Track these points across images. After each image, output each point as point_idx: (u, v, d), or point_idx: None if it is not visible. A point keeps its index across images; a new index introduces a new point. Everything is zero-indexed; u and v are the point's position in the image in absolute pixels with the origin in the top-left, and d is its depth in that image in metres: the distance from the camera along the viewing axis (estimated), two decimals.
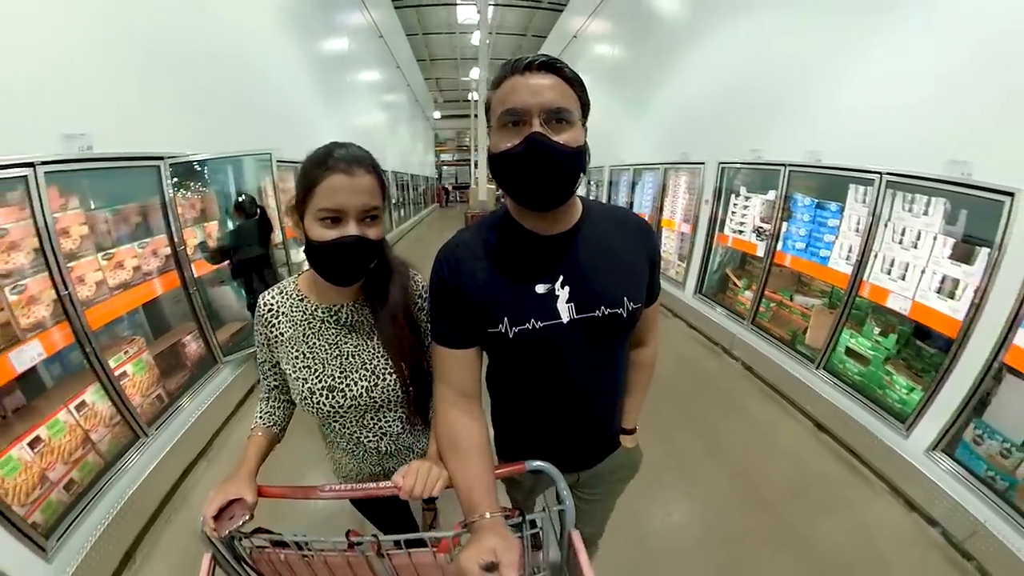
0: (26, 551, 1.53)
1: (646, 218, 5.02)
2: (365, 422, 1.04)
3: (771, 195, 3.49)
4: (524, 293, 0.85)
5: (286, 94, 4.75)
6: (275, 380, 1.06)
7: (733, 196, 4.01)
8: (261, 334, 1.00)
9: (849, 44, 2.81)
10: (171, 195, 2.48)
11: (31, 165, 1.70)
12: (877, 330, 2.69)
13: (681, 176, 5.07)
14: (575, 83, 0.76)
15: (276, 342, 0.98)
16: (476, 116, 11.29)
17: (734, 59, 4.05)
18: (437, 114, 22.36)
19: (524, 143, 0.71)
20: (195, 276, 2.69)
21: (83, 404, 1.96)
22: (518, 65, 0.73)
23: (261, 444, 1.02)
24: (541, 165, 0.72)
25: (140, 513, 2.05)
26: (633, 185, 6.42)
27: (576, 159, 0.75)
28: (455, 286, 0.86)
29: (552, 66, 0.73)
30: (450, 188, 24.80)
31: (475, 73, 11.09)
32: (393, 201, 11.69)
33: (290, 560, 0.90)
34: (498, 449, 1.11)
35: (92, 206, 2.16)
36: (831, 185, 2.94)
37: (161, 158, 2.43)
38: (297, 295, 0.99)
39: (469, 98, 16.22)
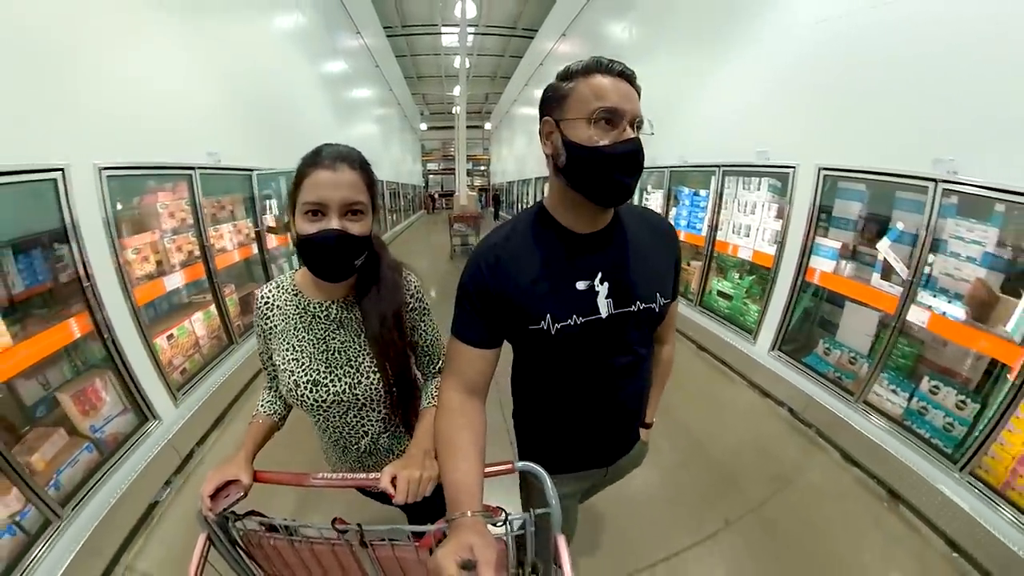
0: (166, 399, 2.65)
1: None
2: (348, 419, 1.05)
3: (661, 192, 4.90)
4: (566, 290, 0.87)
5: (311, 119, 6.01)
6: (274, 371, 1.07)
7: (644, 193, 5.40)
8: (258, 326, 1.03)
9: (699, 76, 4.23)
10: (257, 193, 3.73)
11: (192, 168, 2.95)
12: (737, 276, 4.00)
13: None
14: (640, 96, 0.81)
15: (270, 334, 1.02)
16: (456, 127, 12.60)
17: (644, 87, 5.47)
18: (423, 126, 23.61)
19: (629, 144, 0.77)
20: (266, 248, 3.94)
21: (199, 318, 3.15)
22: (612, 68, 0.79)
23: (260, 430, 1.05)
24: (634, 166, 0.79)
25: (232, 391, 3.26)
26: None
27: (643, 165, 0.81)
28: (495, 286, 0.87)
29: (632, 79, 0.80)
30: (436, 195, 26.03)
31: (457, 90, 12.42)
32: (387, 207, 12.93)
33: (279, 546, 0.92)
34: (523, 454, 1.11)
35: (219, 196, 3.41)
36: (702, 178, 4.28)
37: (252, 170, 3.69)
38: (292, 289, 1.01)
39: (453, 111, 17.53)
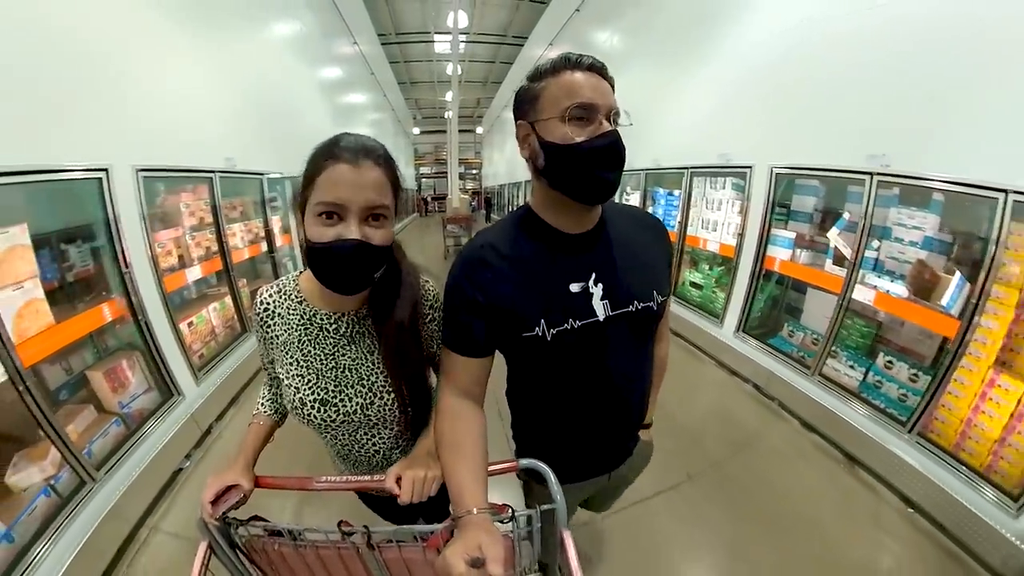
0: (189, 377, 2.93)
1: None
2: (358, 437, 1.00)
3: (638, 193, 5.28)
4: (559, 293, 0.84)
5: (311, 124, 6.29)
6: (276, 374, 0.99)
7: (624, 195, 5.77)
8: (258, 333, 0.96)
9: (672, 86, 4.61)
10: (268, 196, 4.03)
11: (213, 172, 3.23)
12: (707, 267, 4.34)
13: None
14: (614, 89, 0.80)
15: (271, 343, 0.94)
16: (448, 132, 12.92)
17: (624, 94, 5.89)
18: (416, 130, 23.92)
19: (605, 138, 0.75)
20: (275, 246, 4.23)
21: (215, 308, 3.43)
22: (581, 63, 0.77)
23: (261, 432, 1.01)
24: (614, 160, 0.77)
25: (246, 375, 3.55)
26: None
27: (625, 158, 0.80)
28: (482, 294, 0.83)
29: (603, 71, 0.79)
30: (429, 199, 26.31)
31: (449, 96, 12.76)
32: None
33: (283, 551, 0.90)
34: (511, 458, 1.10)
35: (232, 198, 3.71)
36: (675, 179, 4.63)
37: (262, 174, 3.98)
38: (297, 297, 0.93)
39: (445, 116, 17.86)
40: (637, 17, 5.90)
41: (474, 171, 27.28)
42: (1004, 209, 1.98)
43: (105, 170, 2.23)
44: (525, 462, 0.91)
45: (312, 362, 0.92)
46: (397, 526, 0.85)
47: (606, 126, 0.75)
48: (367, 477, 0.92)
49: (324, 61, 7.35)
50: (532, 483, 1.11)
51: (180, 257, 3.04)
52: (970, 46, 2.10)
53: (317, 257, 0.76)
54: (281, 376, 0.94)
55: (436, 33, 12.67)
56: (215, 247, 3.37)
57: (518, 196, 15.51)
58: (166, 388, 2.72)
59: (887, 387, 2.67)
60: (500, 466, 0.90)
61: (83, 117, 2.16)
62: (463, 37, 12.31)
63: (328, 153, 0.74)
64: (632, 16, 6.04)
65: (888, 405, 2.61)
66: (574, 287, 0.85)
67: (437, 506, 0.95)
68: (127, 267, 2.38)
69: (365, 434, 1.00)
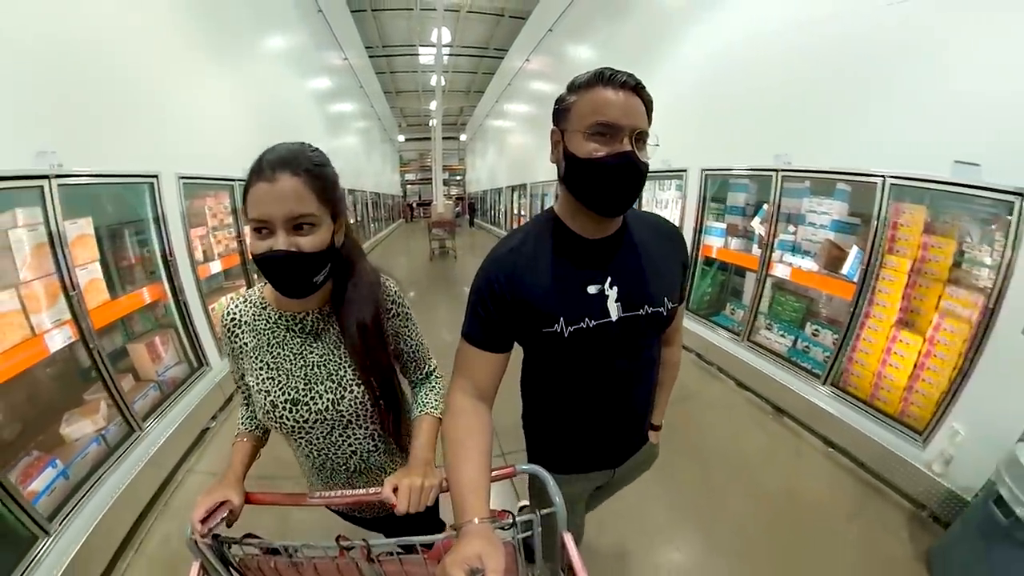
0: (214, 351, 3.42)
1: None
2: (333, 439, 0.99)
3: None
4: (578, 294, 0.90)
5: (307, 135, 6.80)
6: (248, 391, 1.02)
7: None
8: (227, 345, 0.97)
9: None
10: None
11: (232, 180, 3.77)
12: None
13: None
14: (650, 107, 0.83)
15: (240, 353, 0.96)
16: (432, 139, 13.53)
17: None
18: (401, 137, 24.39)
19: (620, 158, 0.78)
20: None
21: (235, 296, 3.93)
22: (614, 80, 0.79)
23: (247, 449, 1.02)
24: (627, 178, 0.81)
25: None
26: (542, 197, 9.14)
27: (646, 175, 0.84)
28: (510, 291, 0.89)
29: (640, 90, 0.81)
30: (414, 205, 26.76)
31: (433, 105, 13.34)
32: (369, 216, 13.69)
33: (279, 567, 0.89)
34: (532, 456, 1.15)
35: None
36: None
37: None
38: (261, 303, 0.95)
39: (430, 124, 18.44)
40: (599, 39, 6.61)
41: (457, 177, 27.78)
42: (883, 191, 2.54)
43: (156, 176, 2.75)
44: (523, 467, 0.94)
45: (281, 363, 0.93)
46: (397, 539, 0.84)
47: (625, 146, 0.78)
48: (362, 490, 0.92)
49: (319, 76, 7.91)
50: (536, 482, 1.15)
51: (204, 252, 3.55)
52: (850, 64, 2.70)
53: (259, 267, 0.80)
54: (252, 384, 0.95)
55: (421, 46, 13.24)
56: (234, 245, 3.89)
57: (500, 201, 16.11)
58: (197, 359, 3.22)
59: (814, 351, 3.20)
60: (497, 472, 0.90)
61: (137, 133, 2.68)
62: (446, 50, 12.91)
63: (253, 170, 0.78)
64: (595, 37, 6.75)
65: (814, 366, 3.08)
66: (591, 289, 0.90)
67: (429, 521, 0.95)
68: (171, 256, 2.89)
69: (340, 435, 0.99)
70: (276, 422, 0.94)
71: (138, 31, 2.75)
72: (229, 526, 0.87)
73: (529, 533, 0.87)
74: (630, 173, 0.80)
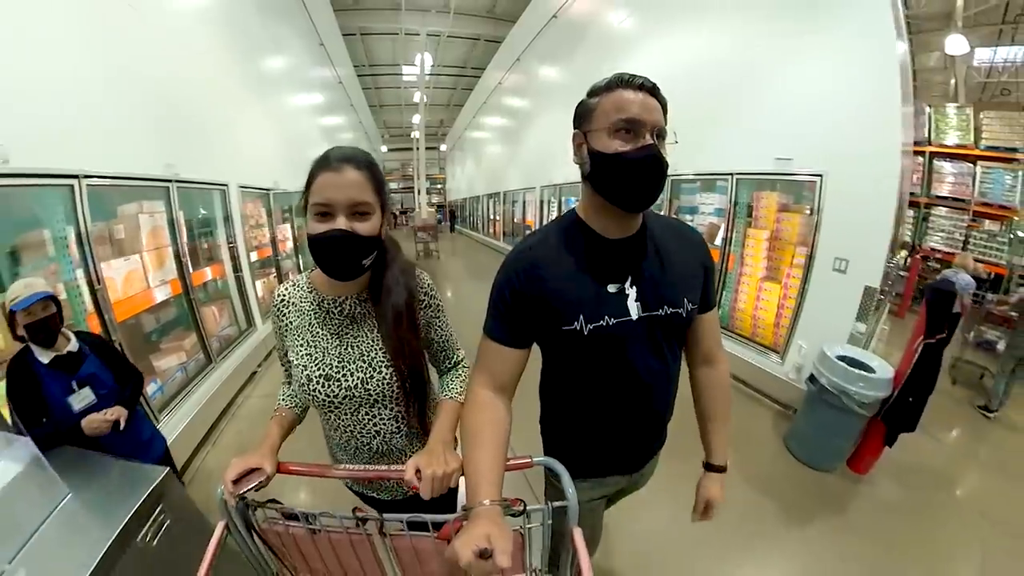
0: (259, 317, 4.55)
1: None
2: (359, 417, 1.06)
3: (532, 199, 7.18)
4: (598, 292, 0.92)
5: (313, 148, 7.87)
6: (290, 367, 1.08)
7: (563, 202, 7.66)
8: (275, 324, 1.07)
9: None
10: (294, 206, 5.65)
11: (269, 190, 4.91)
12: None
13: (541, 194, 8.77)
14: (665, 109, 0.87)
15: (286, 330, 1.05)
16: (417, 149, 14.70)
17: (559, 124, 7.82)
18: (384, 148, 25.35)
19: (644, 151, 0.82)
20: (297, 242, 5.90)
21: (263, 281, 5.02)
22: (632, 81, 0.84)
23: (283, 423, 1.09)
24: (652, 172, 0.83)
25: None
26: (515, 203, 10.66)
27: (667, 169, 0.86)
28: (530, 289, 0.91)
29: (656, 91, 0.85)
30: (397, 212, 27.68)
31: (416, 119, 14.54)
32: None
33: (297, 535, 0.94)
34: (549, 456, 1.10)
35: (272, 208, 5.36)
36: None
37: (294, 192, 5.59)
38: (308, 287, 1.04)
39: (412, 136, 19.55)
40: (562, 62, 7.96)
41: (438, 185, 28.72)
42: (733, 184, 3.84)
43: (226, 185, 3.85)
44: (540, 459, 0.94)
45: (319, 342, 1.01)
46: (410, 515, 0.87)
47: (648, 140, 0.82)
48: (385, 468, 0.99)
49: (320, 100, 9.05)
50: (551, 479, 1.13)
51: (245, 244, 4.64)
52: (715, 94, 3.95)
53: (314, 247, 0.88)
54: (292, 359, 1.03)
55: (404, 65, 14.42)
56: (266, 241, 4.99)
57: (478, 208, 17.29)
58: (247, 322, 4.31)
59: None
60: (515, 462, 0.92)
61: (214, 153, 3.79)
62: (428, 69, 14.12)
63: (320, 163, 0.88)
64: (559, 60, 8.12)
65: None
66: (611, 287, 0.92)
67: (447, 503, 1.01)
68: (234, 243, 3.98)
69: (366, 413, 1.05)
70: (310, 395, 1.01)
71: (214, 79, 3.90)
72: (257, 490, 0.90)
73: (538, 523, 0.88)
74: (654, 166, 0.83)
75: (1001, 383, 3.76)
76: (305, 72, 7.67)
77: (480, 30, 12.28)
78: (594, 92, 0.89)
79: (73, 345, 1.60)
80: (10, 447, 1.11)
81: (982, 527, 2.42)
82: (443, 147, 25.92)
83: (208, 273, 3.77)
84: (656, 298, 0.94)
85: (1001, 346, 4.30)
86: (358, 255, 0.90)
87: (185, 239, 3.27)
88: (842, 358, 2.74)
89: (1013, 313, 3.86)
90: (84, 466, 1.42)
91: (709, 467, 1.16)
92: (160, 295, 3.08)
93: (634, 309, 0.93)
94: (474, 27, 12.16)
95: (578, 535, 0.83)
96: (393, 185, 28.82)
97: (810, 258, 3.29)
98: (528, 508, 0.83)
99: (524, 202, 10.72)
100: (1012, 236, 8.96)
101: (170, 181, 3.10)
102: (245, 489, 0.87)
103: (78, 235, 2.31)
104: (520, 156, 10.90)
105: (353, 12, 11.04)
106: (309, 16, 7.41)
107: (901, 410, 2.59)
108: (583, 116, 0.90)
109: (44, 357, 1.51)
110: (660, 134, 0.84)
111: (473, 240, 17.03)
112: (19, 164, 1.93)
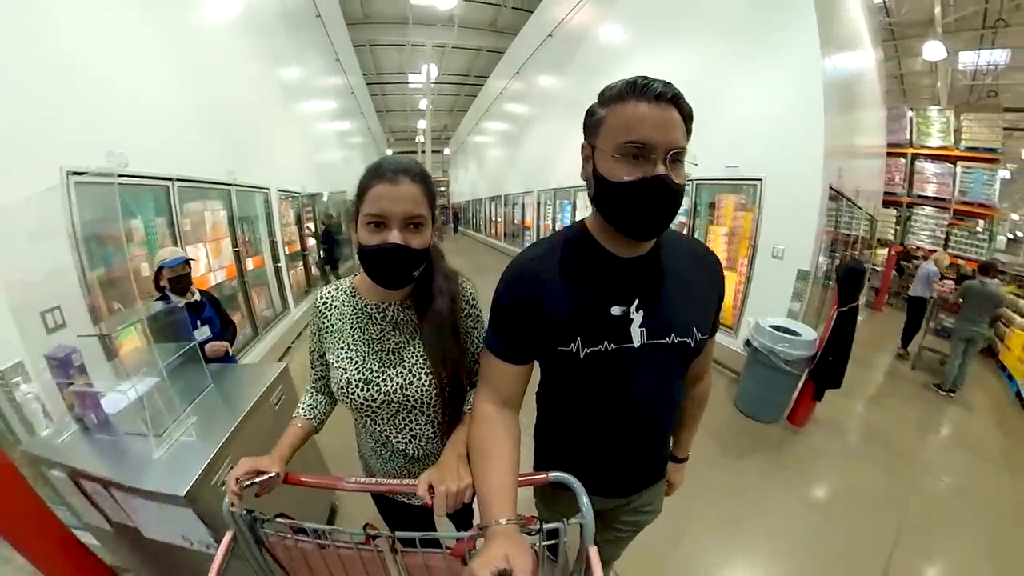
0: (292, 302, 5.27)
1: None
2: (396, 422, 1.05)
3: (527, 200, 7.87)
4: (599, 314, 0.85)
5: (330, 155, 8.60)
6: (322, 371, 1.11)
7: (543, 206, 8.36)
8: (314, 324, 1.06)
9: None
10: (317, 208, 6.36)
11: (298, 193, 5.59)
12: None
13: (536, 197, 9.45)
14: (689, 119, 0.75)
15: (326, 332, 1.05)
16: (423, 152, 15.43)
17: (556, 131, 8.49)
18: (389, 151, 26.07)
19: (650, 182, 0.72)
20: (318, 239, 6.56)
21: (293, 273, 5.71)
22: (647, 91, 0.71)
23: (298, 432, 1.07)
24: (661, 204, 0.74)
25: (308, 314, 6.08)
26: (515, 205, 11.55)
27: (682, 197, 0.76)
28: (529, 302, 0.86)
29: (679, 101, 0.73)
30: None
31: (420, 124, 15.36)
32: None
33: (305, 550, 0.92)
34: (538, 469, 1.05)
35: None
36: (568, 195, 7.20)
37: (315, 194, 6.28)
38: (351, 291, 1.04)
39: (416, 140, 20.32)
40: (560, 71, 8.62)
41: (442, 188, 29.39)
42: (695, 190, 4.51)
43: (268, 188, 4.54)
44: (555, 475, 0.89)
45: (360, 346, 1.01)
46: (423, 532, 0.85)
47: (658, 169, 0.71)
48: (396, 481, 0.97)
49: (336, 109, 9.79)
50: (548, 494, 1.12)
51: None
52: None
53: (366, 257, 0.88)
54: (331, 361, 1.03)
55: (410, 73, 15.13)
56: (295, 238, 5.68)
57: (480, 210, 17.99)
58: (282, 305, 5.00)
59: None
60: (531, 477, 0.90)
61: (259, 160, 4.48)
62: (433, 77, 14.84)
63: (374, 173, 0.87)
64: (556, 70, 8.76)
65: None
66: (615, 310, 0.85)
67: (465, 515, 1.00)
68: (274, 237, 4.67)
69: (403, 419, 1.04)
70: (348, 398, 1.00)
71: (260, 99, 4.61)
72: (258, 496, 0.89)
73: (555, 541, 0.84)
74: (663, 198, 0.73)
75: (955, 364, 4.20)
76: (324, 84, 8.40)
77: (483, 42, 12.97)
78: (604, 100, 0.77)
79: (197, 296, 2.27)
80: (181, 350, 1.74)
81: (905, 471, 2.93)
82: (447, 151, 26.60)
83: (254, 263, 4.46)
84: (664, 326, 0.87)
85: None
86: (410, 267, 0.90)
87: (239, 233, 3.96)
88: (776, 327, 3.38)
89: (960, 300, 4.36)
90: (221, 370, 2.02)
91: (674, 459, 1.24)
92: (220, 277, 3.77)
93: (637, 335, 0.86)
94: (477, 39, 12.84)
95: (593, 552, 0.80)
96: None
97: (754, 248, 3.95)
98: (545, 526, 0.81)
99: (523, 205, 11.42)
100: (991, 232, 9.57)
101: (231, 185, 3.79)
102: (248, 483, 0.88)
103: (170, 223, 2.99)
104: (520, 161, 11.64)
105: (363, 26, 11.74)
106: (326, 32, 8.12)
107: (824, 368, 3.23)
108: (590, 128, 0.80)
109: (179, 302, 2.16)
110: (677, 157, 0.74)
111: (475, 241, 17.70)
112: (135, 168, 2.60)
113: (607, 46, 6.58)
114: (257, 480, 0.89)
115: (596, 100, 0.79)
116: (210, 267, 3.65)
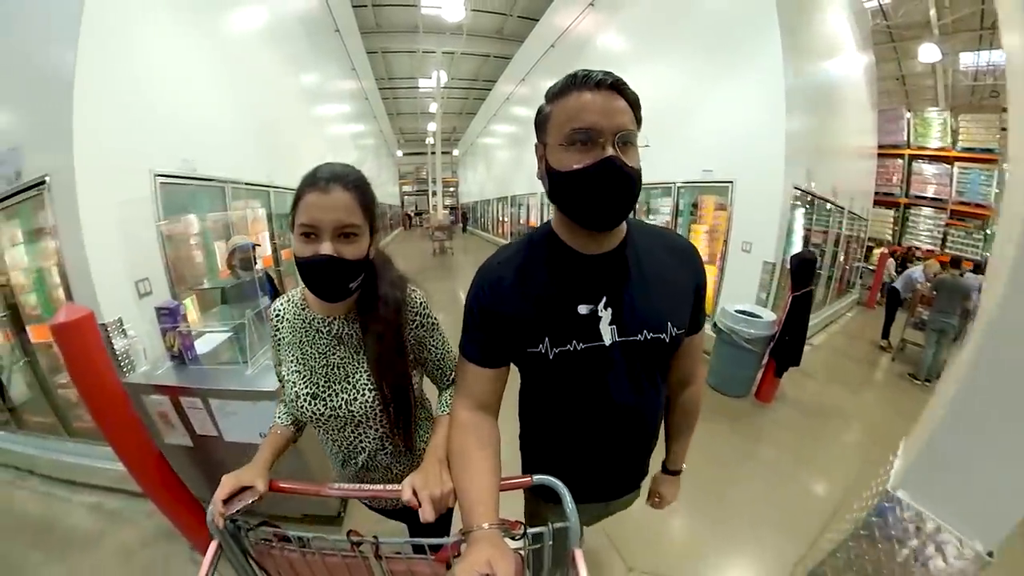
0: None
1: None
2: (345, 434, 1.06)
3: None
4: (566, 313, 0.84)
5: (345, 154, 9.19)
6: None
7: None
8: (272, 338, 1.07)
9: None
10: None
11: None
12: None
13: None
14: (636, 106, 0.75)
15: (279, 345, 1.05)
16: (433, 154, 15.99)
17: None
18: (400, 153, 26.69)
19: (599, 165, 0.71)
20: None
21: (283, 295, 6.34)
22: (588, 81, 0.72)
23: (278, 441, 1.07)
24: (614, 188, 0.73)
25: None
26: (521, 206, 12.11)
27: (639, 182, 0.75)
28: (496, 305, 0.86)
29: (621, 87, 0.73)
30: (412, 214, 29.03)
31: (431, 127, 15.90)
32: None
33: (290, 558, 0.92)
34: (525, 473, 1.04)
35: None
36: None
37: None
38: (301, 303, 1.03)
39: (427, 142, 20.89)
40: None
41: (451, 189, 29.90)
42: (676, 191, 5.06)
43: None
44: (539, 478, 0.90)
45: (308, 360, 1.01)
46: (406, 538, 0.87)
47: (608, 151, 0.71)
48: (380, 487, 0.96)
49: (350, 112, 10.40)
50: (533, 499, 1.11)
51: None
52: (663, 115, 5.14)
53: (300, 269, 0.87)
54: (284, 374, 1.04)
55: (421, 78, 15.73)
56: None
57: (488, 211, 18.54)
58: None
59: None
60: (514, 481, 0.90)
61: (288, 164, 5.03)
62: (443, 81, 15.43)
63: (307, 181, 0.86)
64: (554, 79, 9.22)
65: None
66: (582, 309, 0.83)
67: (446, 519, 1.01)
68: None
69: (351, 432, 1.05)
70: (299, 411, 1.01)
71: (291, 110, 5.19)
72: (250, 508, 0.89)
73: (539, 546, 0.84)
74: (616, 180, 0.72)
75: (928, 353, 4.47)
76: (340, 91, 9.00)
77: (490, 49, 13.52)
78: (549, 97, 0.79)
79: (261, 274, 2.83)
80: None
81: (864, 444, 3.24)
82: (456, 152, 27.14)
83: (284, 255, 5.00)
84: (635, 322, 0.85)
85: None
86: (344, 279, 0.88)
87: (275, 228, 4.53)
88: (740, 311, 3.86)
89: (934, 292, 4.71)
90: None
91: (666, 471, 1.19)
92: (259, 265, 4.35)
93: (608, 334, 0.85)
94: (485, 46, 13.40)
95: (579, 556, 0.80)
96: (407, 188, 30.18)
97: (726, 243, 4.45)
98: (528, 530, 0.81)
99: (528, 206, 11.95)
100: (987, 233, 9.83)
101: (270, 187, 4.36)
102: (235, 509, 0.87)
103: (223, 218, 3.56)
104: (526, 162, 12.13)
105: (376, 34, 12.34)
106: (343, 43, 8.72)
107: (782, 347, 3.70)
108: (540, 126, 0.81)
109: (246, 277, 2.70)
110: (626, 139, 0.73)
111: (483, 240, 18.24)
112: (201, 172, 3.16)
113: (605, 56, 7.08)
114: (246, 504, 0.89)
115: (544, 99, 0.81)
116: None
